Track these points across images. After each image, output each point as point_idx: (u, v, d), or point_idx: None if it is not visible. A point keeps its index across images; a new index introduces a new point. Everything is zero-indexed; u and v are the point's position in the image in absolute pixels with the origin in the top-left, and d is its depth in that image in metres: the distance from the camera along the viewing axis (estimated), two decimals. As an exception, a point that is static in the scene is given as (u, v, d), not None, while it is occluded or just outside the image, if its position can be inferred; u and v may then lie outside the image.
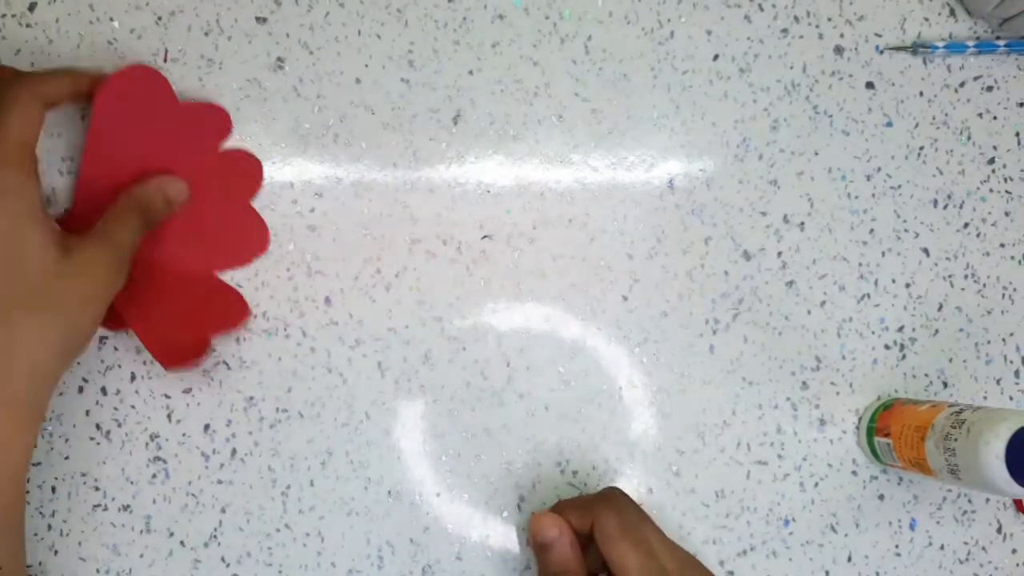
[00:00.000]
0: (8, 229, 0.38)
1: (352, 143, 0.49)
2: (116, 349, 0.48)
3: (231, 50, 0.49)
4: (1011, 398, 0.50)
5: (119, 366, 0.48)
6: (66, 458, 0.47)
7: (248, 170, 0.47)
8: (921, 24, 0.51)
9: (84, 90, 0.44)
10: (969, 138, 0.51)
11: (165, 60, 0.48)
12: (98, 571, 0.47)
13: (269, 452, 0.47)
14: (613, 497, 0.42)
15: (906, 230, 0.51)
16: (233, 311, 0.46)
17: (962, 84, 0.51)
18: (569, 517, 0.42)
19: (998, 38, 0.51)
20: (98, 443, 0.47)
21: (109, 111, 0.45)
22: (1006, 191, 0.51)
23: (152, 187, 0.44)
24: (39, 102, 0.40)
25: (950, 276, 0.51)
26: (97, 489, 0.47)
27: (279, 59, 0.49)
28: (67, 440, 0.47)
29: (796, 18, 0.51)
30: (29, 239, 0.38)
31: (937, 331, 0.50)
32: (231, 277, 0.48)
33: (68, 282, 0.39)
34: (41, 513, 0.47)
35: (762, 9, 0.50)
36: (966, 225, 0.51)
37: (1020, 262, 0.51)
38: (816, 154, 0.50)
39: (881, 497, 0.49)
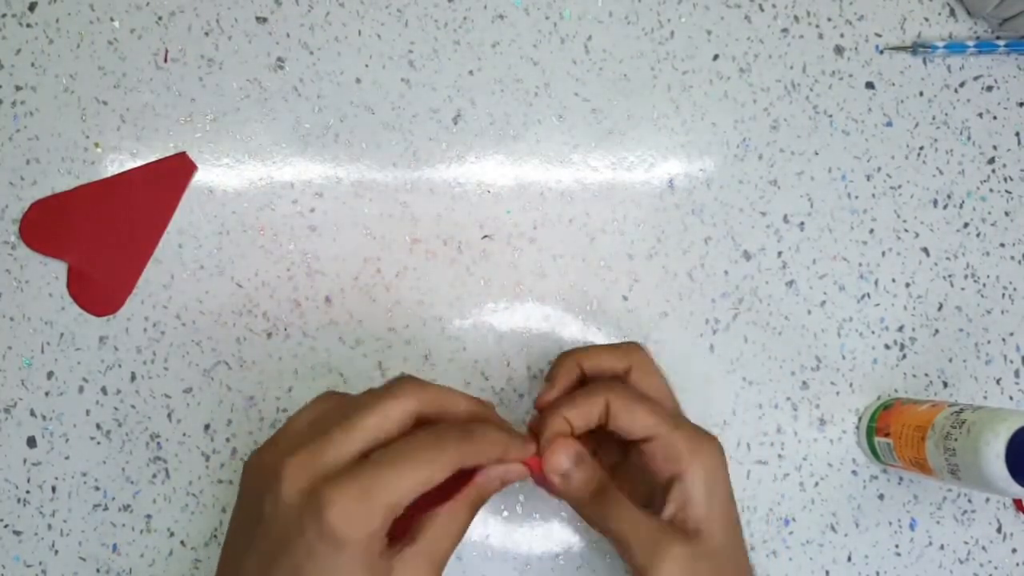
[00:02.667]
0: (336, 572, 0.33)
1: (352, 143, 0.49)
2: (116, 349, 0.48)
3: (231, 50, 0.49)
4: (1011, 398, 0.50)
5: (119, 366, 0.48)
6: (66, 458, 0.47)
7: None
8: (921, 24, 0.51)
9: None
10: (969, 138, 0.51)
11: (165, 60, 0.49)
12: (98, 571, 0.47)
13: (269, 452, 0.47)
14: (644, 351, 0.43)
15: (906, 230, 0.51)
16: None
17: (962, 84, 0.51)
18: (578, 416, 0.40)
19: (998, 38, 0.51)
20: (98, 443, 0.47)
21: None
22: (1006, 191, 0.51)
23: (494, 475, 0.38)
24: (446, 471, 0.35)
25: (950, 276, 0.51)
26: (97, 489, 0.47)
27: (279, 59, 0.49)
28: (67, 440, 0.47)
29: (796, 18, 0.51)
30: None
31: (937, 331, 0.50)
32: (236, 278, 0.48)
33: None
34: (41, 513, 0.47)
35: (762, 9, 0.50)
36: (966, 225, 0.51)
37: (1020, 262, 0.51)
38: (816, 154, 0.50)
39: (881, 497, 0.49)
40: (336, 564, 0.33)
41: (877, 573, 0.49)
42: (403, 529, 0.36)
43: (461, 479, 0.37)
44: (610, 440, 0.42)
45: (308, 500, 0.33)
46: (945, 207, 0.51)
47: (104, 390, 0.48)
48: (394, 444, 0.35)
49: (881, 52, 0.51)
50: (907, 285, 0.50)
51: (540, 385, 0.48)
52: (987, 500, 0.49)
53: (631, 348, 0.43)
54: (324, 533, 0.33)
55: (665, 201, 0.50)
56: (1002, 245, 0.51)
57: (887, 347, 0.50)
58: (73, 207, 0.48)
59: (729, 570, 0.39)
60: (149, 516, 0.47)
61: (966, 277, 0.51)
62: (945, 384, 0.50)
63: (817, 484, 0.49)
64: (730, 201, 0.50)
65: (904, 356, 0.50)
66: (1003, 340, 0.50)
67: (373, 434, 0.35)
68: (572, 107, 0.49)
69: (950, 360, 0.50)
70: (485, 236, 0.49)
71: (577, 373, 0.43)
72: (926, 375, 0.50)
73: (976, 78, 0.51)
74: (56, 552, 0.47)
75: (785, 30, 0.51)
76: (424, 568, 0.35)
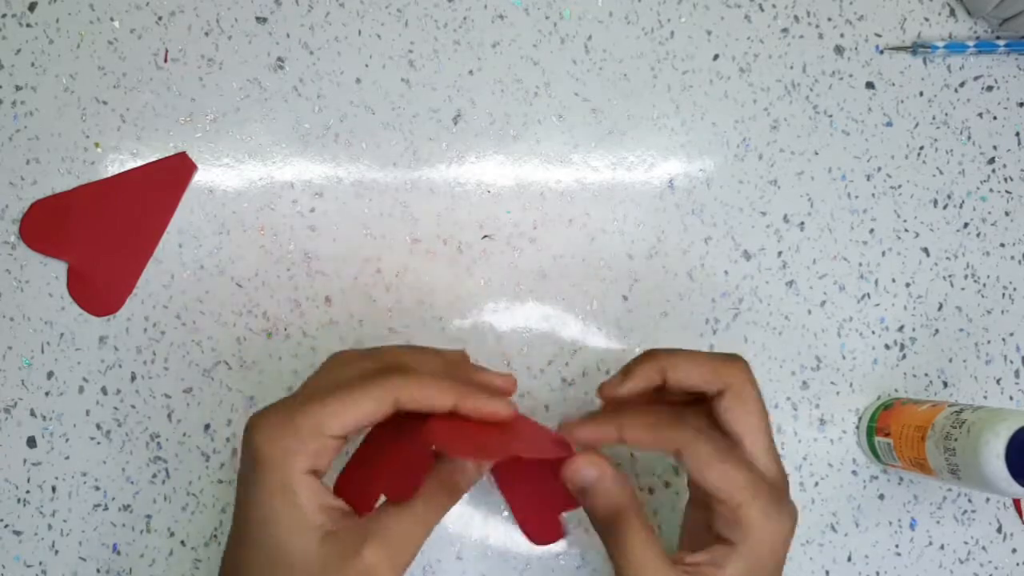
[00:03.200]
0: (263, 505, 0.33)
1: (352, 143, 0.49)
2: (116, 349, 0.48)
3: (231, 50, 0.49)
4: (1011, 398, 0.50)
5: (119, 366, 0.48)
6: (66, 458, 0.47)
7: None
8: (921, 24, 0.51)
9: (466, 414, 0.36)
10: (969, 138, 0.51)
11: (165, 60, 0.49)
12: (98, 571, 0.47)
13: (269, 452, 0.47)
14: (745, 372, 0.38)
15: (906, 230, 0.51)
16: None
17: (962, 84, 0.51)
18: (641, 438, 0.37)
19: (998, 38, 0.51)
20: (98, 443, 0.47)
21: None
22: (1006, 191, 0.51)
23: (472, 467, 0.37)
24: (381, 404, 0.34)
25: (950, 276, 0.51)
26: (97, 489, 0.47)
27: (279, 59, 0.49)
28: (67, 440, 0.47)
29: (796, 18, 0.51)
30: (283, 521, 0.33)
31: (937, 331, 0.50)
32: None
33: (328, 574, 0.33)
34: (41, 513, 0.47)
35: (762, 9, 0.50)
36: (966, 225, 0.51)
37: (1020, 262, 0.51)
38: (816, 154, 0.50)
39: (881, 497, 0.49)
40: (257, 487, 0.33)
41: (877, 573, 0.49)
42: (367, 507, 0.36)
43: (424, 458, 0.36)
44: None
45: (246, 433, 0.34)
46: (945, 207, 0.51)
47: (104, 390, 0.48)
48: (338, 382, 0.35)
49: (881, 52, 0.51)
50: (907, 285, 0.50)
51: (540, 385, 0.48)
52: (987, 500, 0.49)
53: (731, 366, 0.38)
54: (250, 457, 0.34)
55: (665, 201, 0.50)
56: (1002, 245, 0.51)
57: (887, 347, 0.50)
58: (73, 207, 0.48)
59: None
60: (149, 516, 0.47)
61: (966, 277, 0.51)
62: (945, 384, 0.50)
63: (817, 484, 0.49)
64: (730, 201, 0.50)
65: (904, 356, 0.50)
66: (1003, 340, 0.50)
67: (328, 381, 0.36)
68: (572, 107, 0.49)
69: (950, 360, 0.50)
70: (485, 236, 0.49)
71: (658, 381, 0.39)
72: (926, 375, 0.50)
73: (976, 78, 0.51)
74: (56, 552, 0.47)
75: (785, 30, 0.51)
76: (384, 551, 0.34)
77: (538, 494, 0.43)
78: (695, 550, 0.37)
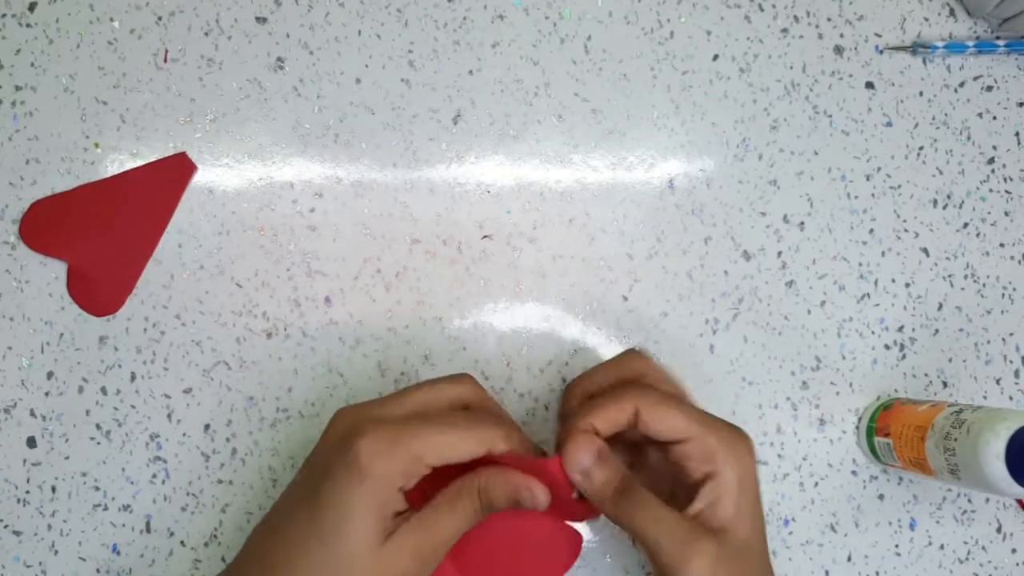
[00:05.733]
0: (346, 505, 0.37)
1: (352, 143, 0.49)
2: (116, 349, 0.48)
3: (231, 50, 0.49)
4: (1011, 398, 0.50)
5: (119, 366, 0.48)
6: (66, 458, 0.47)
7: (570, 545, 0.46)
8: (921, 24, 0.51)
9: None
10: (969, 138, 0.51)
11: (165, 60, 0.49)
12: (98, 571, 0.47)
13: (269, 452, 0.47)
14: (643, 373, 0.42)
15: (906, 230, 0.51)
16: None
17: (962, 84, 0.51)
18: (605, 422, 0.40)
19: (998, 38, 0.51)
20: (98, 443, 0.47)
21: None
22: (1006, 191, 0.51)
23: (511, 484, 0.39)
24: (479, 448, 0.38)
25: (950, 276, 0.51)
26: (97, 489, 0.47)
27: (279, 59, 0.49)
28: (67, 440, 0.47)
29: (796, 18, 0.51)
30: (358, 523, 0.37)
31: (937, 331, 0.50)
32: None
33: (376, 566, 0.37)
34: (41, 513, 0.47)
35: (762, 9, 0.50)
36: (966, 225, 0.51)
37: (1020, 262, 0.51)
38: (816, 154, 0.50)
39: (881, 497, 0.49)
40: (347, 490, 0.37)
41: (877, 573, 0.49)
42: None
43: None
44: (621, 440, 0.42)
45: (346, 435, 0.38)
46: (945, 207, 0.51)
47: (104, 390, 0.48)
48: (445, 414, 0.39)
49: (881, 52, 0.51)
50: (907, 285, 0.50)
51: (540, 385, 0.48)
52: (987, 500, 0.49)
53: (630, 359, 0.43)
54: (348, 461, 0.37)
55: (665, 201, 0.50)
56: (1002, 245, 0.51)
57: (887, 347, 0.50)
58: (73, 207, 0.48)
59: (754, 568, 0.39)
60: (149, 516, 0.47)
61: (966, 277, 0.51)
62: (945, 384, 0.50)
63: (817, 484, 0.49)
64: (730, 201, 0.50)
65: (904, 356, 0.50)
66: (1003, 340, 0.50)
67: (423, 403, 0.40)
68: (572, 107, 0.49)
69: (950, 360, 0.50)
70: (485, 236, 0.49)
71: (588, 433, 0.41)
72: (926, 375, 0.50)
73: (976, 78, 0.51)
74: (56, 552, 0.47)
75: (785, 30, 0.51)
76: (420, 539, 0.38)
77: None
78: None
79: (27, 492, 0.47)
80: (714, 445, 0.39)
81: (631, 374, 0.43)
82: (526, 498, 0.39)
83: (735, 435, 0.40)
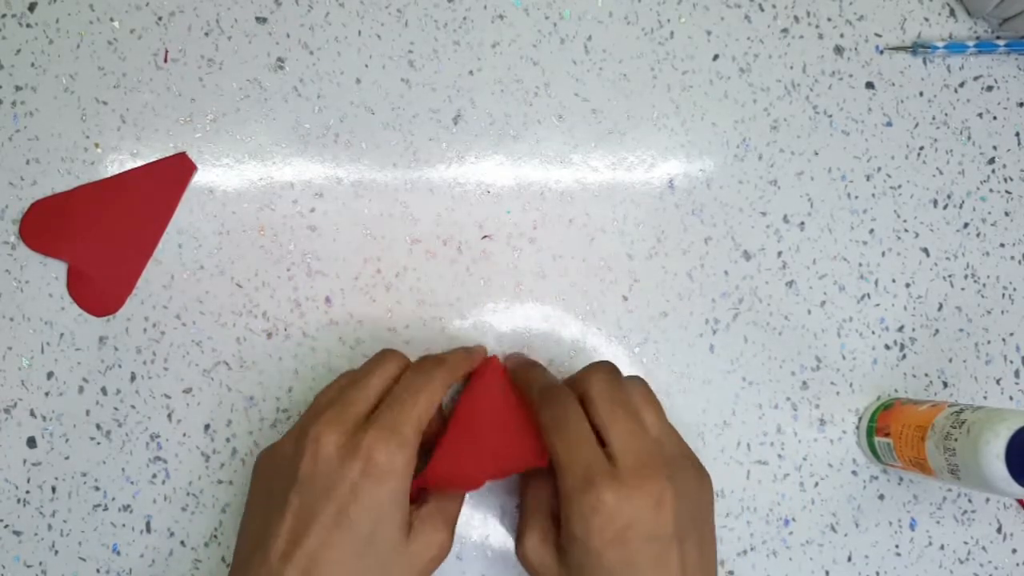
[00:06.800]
0: (379, 508, 0.38)
1: (352, 143, 0.49)
2: (116, 349, 0.48)
3: (231, 50, 0.49)
4: (1011, 398, 0.50)
5: (119, 366, 0.48)
6: (66, 458, 0.47)
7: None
8: (921, 24, 0.51)
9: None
10: (969, 138, 0.51)
11: (165, 60, 0.49)
12: (98, 571, 0.47)
13: (269, 452, 0.47)
14: (601, 367, 0.42)
15: (906, 230, 0.51)
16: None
17: (962, 84, 0.51)
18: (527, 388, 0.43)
19: (998, 38, 0.51)
20: (98, 443, 0.47)
21: (483, 386, 0.44)
22: (1006, 191, 0.51)
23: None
24: (445, 390, 0.42)
25: (950, 276, 0.51)
26: (97, 489, 0.47)
27: (279, 59, 0.49)
28: (67, 440, 0.47)
29: (796, 18, 0.51)
30: (389, 522, 0.38)
31: (937, 331, 0.50)
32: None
33: (408, 560, 0.39)
34: (41, 513, 0.47)
35: (762, 9, 0.50)
36: (966, 225, 0.51)
37: (1020, 262, 0.51)
38: (816, 154, 0.50)
39: (881, 497, 0.49)
40: (379, 495, 0.38)
41: (877, 573, 0.49)
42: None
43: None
44: None
45: (348, 449, 0.38)
46: (945, 207, 0.51)
47: (104, 390, 0.48)
48: (395, 388, 0.41)
49: (881, 52, 0.51)
50: (907, 285, 0.50)
51: (540, 385, 0.48)
52: (987, 500, 0.49)
53: (545, 402, 0.42)
54: (369, 471, 0.38)
55: (665, 201, 0.50)
56: (1002, 245, 0.51)
57: (887, 347, 0.50)
58: (73, 207, 0.48)
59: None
60: (149, 516, 0.47)
61: (966, 277, 0.51)
62: (945, 384, 0.50)
63: (817, 484, 0.49)
64: (730, 201, 0.50)
65: (904, 356, 0.50)
66: (1003, 340, 0.50)
67: (379, 388, 0.41)
68: (572, 107, 0.49)
69: (950, 360, 0.50)
70: (485, 236, 0.49)
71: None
72: (926, 375, 0.50)
73: (976, 78, 0.51)
74: (56, 552, 0.47)
75: (785, 30, 0.51)
76: (439, 527, 0.40)
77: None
78: None
79: (27, 492, 0.47)
80: (561, 490, 0.39)
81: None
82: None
83: (581, 491, 0.38)
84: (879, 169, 0.51)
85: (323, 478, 0.38)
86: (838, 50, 0.51)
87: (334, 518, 0.37)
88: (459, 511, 0.42)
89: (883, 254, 0.50)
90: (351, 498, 0.37)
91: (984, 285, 0.51)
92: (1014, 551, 0.50)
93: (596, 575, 0.37)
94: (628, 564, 0.37)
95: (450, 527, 0.41)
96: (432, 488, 0.42)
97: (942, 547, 0.49)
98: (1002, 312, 0.51)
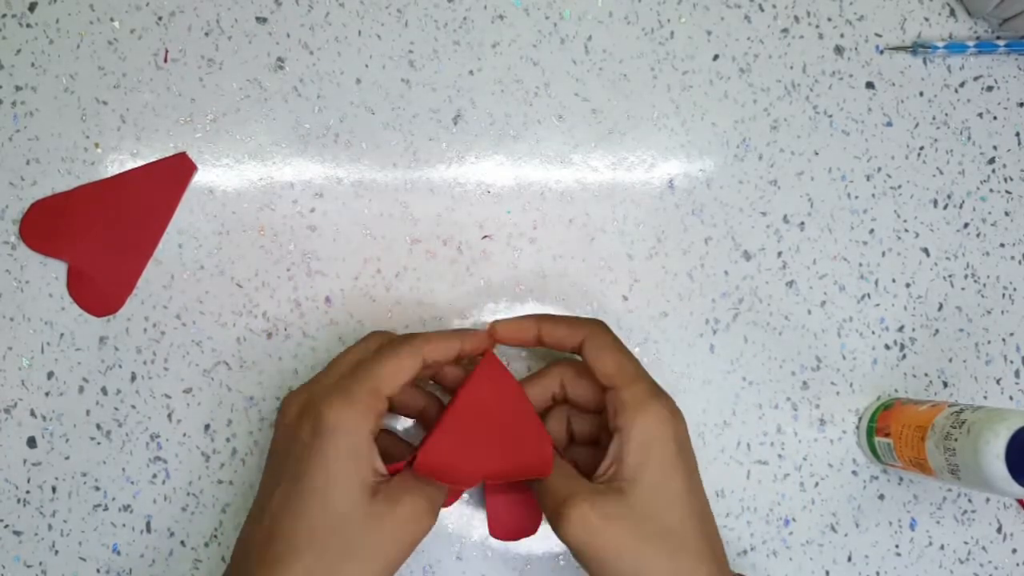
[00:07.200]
0: (330, 464, 0.38)
1: (352, 143, 0.49)
2: (116, 349, 0.48)
3: (231, 50, 0.49)
4: (1011, 398, 0.50)
5: (119, 366, 0.48)
6: (66, 458, 0.47)
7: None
8: (921, 24, 0.51)
9: (465, 356, 0.43)
10: (969, 138, 0.51)
11: (165, 60, 0.49)
12: (98, 571, 0.47)
13: (269, 452, 0.47)
14: (603, 323, 0.43)
15: (906, 230, 0.51)
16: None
17: (962, 84, 0.51)
18: (555, 329, 0.43)
19: (998, 38, 0.51)
20: (98, 443, 0.47)
21: (483, 380, 0.43)
22: (1006, 191, 0.51)
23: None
24: (416, 359, 0.40)
25: (950, 276, 0.51)
26: (97, 489, 0.47)
27: (279, 59, 0.49)
28: (67, 440, 0.47)
29: (796, 18, 0.51)
30: (344, 478, 0.38)
31: (937, 331, 0.50)
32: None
33: (376, 522, 0.38)
34: (41, 513, 0.47)
35: (762, 9, 0.50)
36: (966, 225, 0.51)
37: (1020, 262, 0.51)
38: (816, 154, 0.50)
39: (881, 497, 0.49)
40: (323, 452, 0.38)
41: (877, 573, 0.49)
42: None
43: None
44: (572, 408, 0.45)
45: (304, 411, 0.39)
46: (945, 207, 0.51)
47: (104, 390, 0.48)
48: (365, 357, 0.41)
49: (881, 52, 0.51)
50: (907, 285, 0.50)
51: (540, 385, 0.48)
52: (987, 500, 0.49)
53: (585, 324, 0.43)
54: (318, 429, 0.38)
55: (665, 201, 0.50)
56: (1002, 245, 0.51)
57: (887, 347, 0.50)
58: (73, 207, 0.48)
59: (649, 533, 0.38)
60: (149, 516, 0.47)
61: (966, 277, 0.51)
62: (945, 384, 0.50)
63: (817, 484, 0.49)
64: (730, 201, 0.50)
65: (904, 356, 0.50)
66: (1003, 340, 0.50)
67: (352, 360, 0.41)
68: (572, 107, 0.49)
69: (950, 360, 0.50)
70: (485, 236, 0.49)
71: (533, 333, 0.44)
72: (926, 375, 0.50)
73: (976, 78, 0.51)
74: (56, 552, 0.47)
75: (785, 30, 0.51)
76: (415, 496, 0.39)
77: (513, 493, 0.46)
78: None
79: (27, 492, 0.47)
80: (626, 400, 0.39)
81: (576, 339, 0.43)
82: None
83: (652, 396, 0.40)
84: (879, 169, 0.51)
85: (283, 442, 0.40)
86: (838, 50, 0.51)
87: (291, 478, 0.38)
88: (443, 494, 0.40)
89: (883, 254, 0.50)
90: (303, 455, 0.38)
91: (984, 285, 0.51)
92: (1014, 551, 0.50)
93: (671, 485, 0.39)
94: (689, 473, 0.40)
95: (428, 499, 0.39)
96: (423, 475, 0.40)
97: (942, 547, 0.49)
98: (1002, 312, 0.51)
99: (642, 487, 0.38)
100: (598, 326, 0.43)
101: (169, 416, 0.48)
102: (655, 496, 0.38)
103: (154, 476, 0.47)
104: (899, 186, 0.51)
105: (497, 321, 0.44)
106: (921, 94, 0.51)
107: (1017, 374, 0.50)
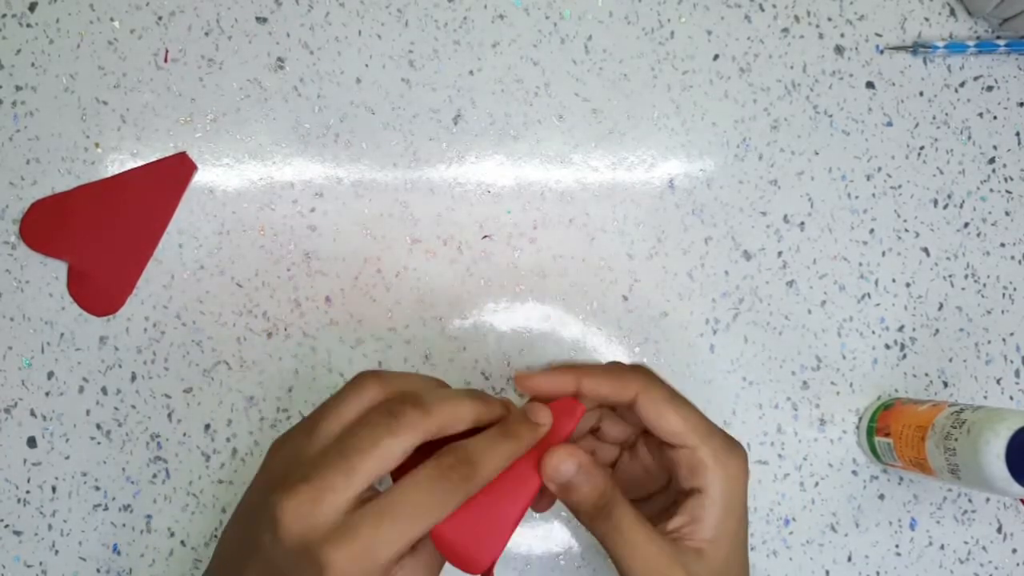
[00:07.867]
0: None
1: (352, 143, 0.49)
2: (116, 349, 0.48)
3: (231, 50, 0.49)
4: (1011, 398, 0.50)
5: (119, 366, 0.48)
6: (66, 458, 0.47)
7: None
8: (921, 24, 0.51)
9: (482, 424, 0.36)
10: (969, 138, 0.51)
11: (165, 60, 0.49)
12: (98, 571, 0.47)
13: (269, 452, 0.47)
14: (650, 370, 0.39)
15: (906, 230, 0.51)
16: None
17: (962, 84, 0.51)
18: (599, 385, 0.38)
19: (998, 38, 0.51)
20: (98, 443, 0.47)
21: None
22: (1006, 191, 0.51)
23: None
24: (415, 438, 0.34)
25: (950, 276, 0.51)
26: (97, 489, 0.47)
27: (279, 59, 0.49)
28: (67, 440, 0.47)
29: (796, 18, 0.51)
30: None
31: (937, 331, 0.50)
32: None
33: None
34: (41, 513, 0.47)
35: (762, 9, 0.50)
36: (966, 225, 0.51)
37: (1020, 262, 0.51)
38: (816, 154, 0.50)
39: (881, 497, 0.49)
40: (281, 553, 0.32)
41: (877, 573, 0.49)
42: None
43: None
44: (615, 429, 0.42)
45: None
46: (945, 207, 0.51)
47: (104, 390, 0.48)
48: (395, 490, 0.33)
49: (881, 52, 0.51)
50: (907, 285, 0.50)
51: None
52: (987, 500, 0.49)
53: (635, 372, 0.39)
54: (276, 536, 0.32)
55: (665, 201, 0.50)
56: (1002, 245, 0.51)
57: (887, 347, 0.50)
58: (73, 207, 0.48)
59: None
60: (149, 516, 0.47)
61: (966, 277, 0.51)
62: (945, 384, 0.50)
63: (817, 484, 0.49)
64: (730, 201, 0.50)
65: (904, 356, 0.50)
66: (1003, 340, 0.50)
67: (373, 477, 0.33)
68: (572, 107, 0.49)
69: (950, 360, 0.50)
70: (485, 236, 0.49)
71: (571, 389, 0.39)
72: (926, 375, 0.50)
73: (976, 78, 0.51)
74: (56, 552, 0.47)
75: (785, 30, 0.51)
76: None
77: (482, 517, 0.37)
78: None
79: (27, 492, 0.47)
80: (706, 460, 0.37)
81: (628, 392, 0.39)
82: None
83: (730, 451, 0.38)
84: (879, 169, 0.51)
85: (280, 569, 0.33)
86: (838, 50, 0.51)
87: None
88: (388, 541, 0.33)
89: (883, 254, 0.50)
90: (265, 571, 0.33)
91: (984, 285, 0.51)
92: (1014, 551, 0.50)
93: (742, 536, 0.38)
94: (745, 527, 0.38)
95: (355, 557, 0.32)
96: (439, 548, 0.35)
97: (942, 547, 0.49)
98: (1002, 312, 0.51)
99: (719, 545, 0.37)
100: (648, 378, 0.39)
101: (169, 416, 0.48)
102: (732, 551, 0.38)
103: (154, 476, 0.47)
104: (899, 186, 0.51)
105: (525, 374, 0.39)
106: (921, 94, 0.51)
107: (1017, 374, 0.50)
